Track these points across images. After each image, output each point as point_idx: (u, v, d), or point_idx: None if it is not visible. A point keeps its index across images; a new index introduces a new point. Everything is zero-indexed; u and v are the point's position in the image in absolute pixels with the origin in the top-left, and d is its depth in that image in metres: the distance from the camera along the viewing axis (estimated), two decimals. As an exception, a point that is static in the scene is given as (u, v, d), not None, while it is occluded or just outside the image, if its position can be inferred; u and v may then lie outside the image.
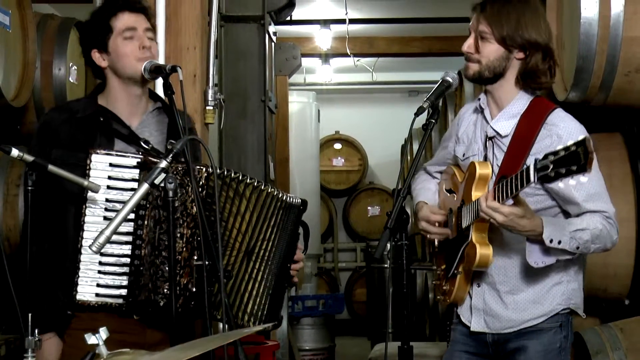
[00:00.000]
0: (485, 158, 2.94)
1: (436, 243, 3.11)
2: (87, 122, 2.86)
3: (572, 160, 2.35)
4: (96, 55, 2.91)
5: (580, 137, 2.36)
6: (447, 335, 3.14)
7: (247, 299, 2.90)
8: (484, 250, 2.77)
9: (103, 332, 1.95)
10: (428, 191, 3.20)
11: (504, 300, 2.91)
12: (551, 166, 2.38)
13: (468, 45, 2.89)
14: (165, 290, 2.71)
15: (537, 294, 2.89)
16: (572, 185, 2.41)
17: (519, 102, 2.91)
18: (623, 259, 3.93)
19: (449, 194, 3.05)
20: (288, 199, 2.94)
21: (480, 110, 3.01)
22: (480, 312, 2.95)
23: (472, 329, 2.96)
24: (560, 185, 2.41)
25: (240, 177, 2.83)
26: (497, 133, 2.91)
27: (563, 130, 2.79)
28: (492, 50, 2.86)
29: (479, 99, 3.02)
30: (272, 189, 2.90)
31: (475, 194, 2.79)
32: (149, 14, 2.94)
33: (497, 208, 2.62)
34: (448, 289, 2.98)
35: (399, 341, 2.89)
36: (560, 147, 2.39)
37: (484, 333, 2.95)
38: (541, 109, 2.87)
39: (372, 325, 9.77)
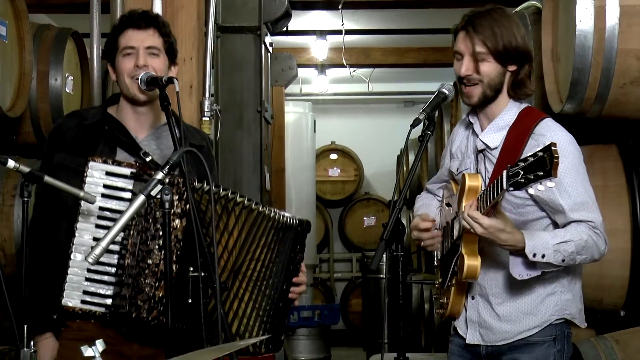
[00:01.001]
0: (477, 171, 2.95)
1: (438, 256, 3.11)
2: (93, 129, 2.90)
3: (539, 166, 2.38)
4: (110, 70, 2.98)
5: (547, 143, 2.39)
6: (444, 347, 3.14)
7: (232, 318, 2.84)
8: (471, 262, 2.76)
9: (99, 345, 1.95)
10: (428, 207, 3.20)
11: (497, 312, 2.90)
12: (521, 173, 2.42)
13: (466, 69, 2.86)
14: (139, 302, 2.69)
15: (530, 305, 2.88)
16: (541, 192, 2.44)
17: (508, 114, 2.91)
18: (618, 270, 3.93)
19: (447, 207, 3.06)
20: (283, 219, 2.88)
21: (469, 125, 3.02)
22: (475, 325, 2.94)
23: (467, 342, 2.96)
24: (530, 191, 2.44)
25: (230, 195, 2.79)
26: (486, 145, 2.92)
27: (549, 139, 2.74)
28: (491, 69, 2.86)
29: (468, 114, 3.02)
30: (265, 209, 2.85)
31: (465, 206, 2.79)
32: (161, 29, 2.93)
33: (477, 219, 2.64)
34: (444, 302, 2.98)
35: (395, 352, 2.90)
36: (529, 154, 2.42)
37: (478, 345, 2.95)
38: (530, 120, 2.88)
39: (367, 336, 9.75)
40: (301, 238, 2.93)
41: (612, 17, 3.54)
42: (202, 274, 2.57)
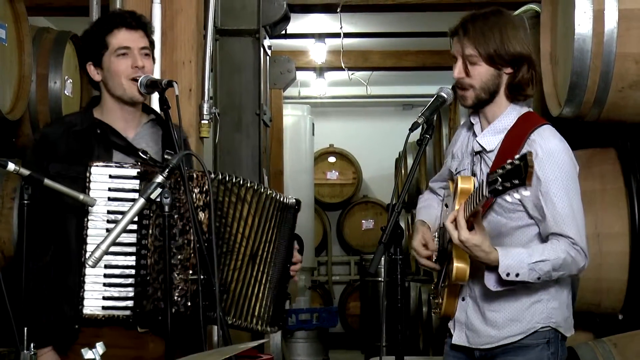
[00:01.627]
0: (473, 173, 2.95)
1: (434, 258, 3.11)
2: (85, 135, 2.87)
3: (515, 174, 2.37)
4: (91, 69, 2.93)
5: (523, 152, 2.38)
6: (442, 350, 3.15)
7: (254, 302, 2.93)
8: (460, 264, 2.77)
9: (100, 347, 1.95)
10: (429, 208, 3.20)
11: (485, 315, 2.90)
12: (499, 180, 2.41)
13: (458, 72, 2.88)
14: (175, 298, 2.71)
15: (515, 311, 2.87)
16: (517, 199, 2.44)
17: (508, 117, 2.91)
18: (617, 274, 3.94)
19: (446, 208, 3.07)
20: (284, 199, 3.00)
21: (470, 125, 3.03)
22: (462, 326, 2.95)
23: (453, 342, 2.97)
24: (508, 199, 2.43)
25: (242, 182, 2.87)
26: (483, 148, 2.92)
27: (540, 147, 2.79)
28: (482, 72, 2.86)
29: (470, 115, 3.04)
30: (270, 191, 2.95)
31: (456, 208, 2.80)
32: (148, 31, 2.95)
33: (458, 229, 2.65)
34: (439, 302, 3.01)
35: (393, 355, 2.89)
36: (508, 161, 2.41)
37: (472, 348, 2.94)
38: (528, 125, 2.87)
39: (365, 338, 9.75)
40: (296, 216, 3.06)
41: (611, 21, 3.54)
42: (202, 277, 2.58)
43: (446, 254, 2.91)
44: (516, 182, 2.36)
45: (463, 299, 2.96)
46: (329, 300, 11.79)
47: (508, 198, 2.42)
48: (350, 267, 12.19)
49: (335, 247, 12.31)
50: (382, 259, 2.75)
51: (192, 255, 2.73)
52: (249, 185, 2.88)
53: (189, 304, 2.71)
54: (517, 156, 2.38)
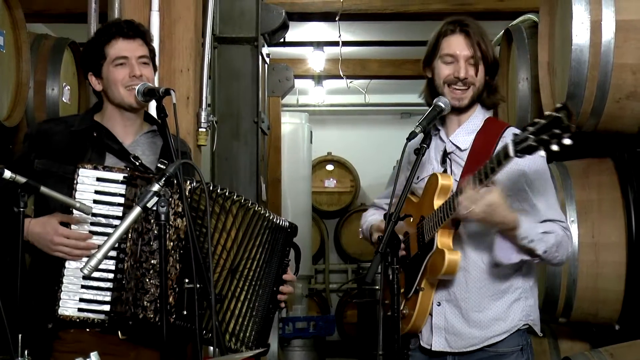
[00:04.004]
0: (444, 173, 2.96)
1: (390, 271, 3.04)
2: (81, 135, 2.89)
3: (555, 125, 2.38)
4: (92, 79, 2.96)
5: (558, 105, 2.40)
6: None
7: (229, 317, 2.89)
8: (452, 256, 2.79)
9: (94, 357, 1.95)
10: (376, 218, 3.24)
11: (467, 317, 2.91)
12: (531, 137, 2.42)
13: (466, 71, 2.91)
14: (145, 303, 2.70)
15: (499, 310, 2.91)
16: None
17: (476, 119, 2.98)
18: (613, 284, 3.94)
19: (406, 219, 3.06)
20: (276, 220, 2.95)
21: (435, 133, 3.00)
22: (441, 331, 2.94)
23: (433, 348, 2.95)
24: (541, 153, 2.43)
25: (227, 194, 2.84)
26: (457, 147, 2.96)
27: None
28: (482, 75, 2.94)
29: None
30: (260, 208, 2.91)
31: (437, 203, 2.82)
32: (147, 39, 2.96)
33: (476, 198, 2.63)
34: (407, 313, 2.95)
35: (389, 363, 2.89)
36: (536, 119, 2.43)
37: (444, 354, 2.94)
38: (496, 127, 2.96)
39: (362, 347, 9.74)
40: (290, 241, 2.99)
41: (608, 32, 3.55)
42: (198, 285, 2.58)
43: (421, 256, 2.90)
44: (557, 131, 2.37)
45: (439, 304, 2.94)
46: (326, 308, 11.76)
47: (542, 153, 2.43)
48: (347, 275, 12.17)
49: (332, 255, 12.29)
50: (379, 267, 2.74)
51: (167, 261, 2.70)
52: (235, 198, 2.85)
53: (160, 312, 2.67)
54: (547, 112, 2.40)
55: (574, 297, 4.02)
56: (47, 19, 6.89)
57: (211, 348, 2.72)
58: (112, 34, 2.91)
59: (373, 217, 3.28)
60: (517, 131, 2.86)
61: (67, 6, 6.28)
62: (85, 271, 2.35)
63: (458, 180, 2.88)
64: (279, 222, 2.96)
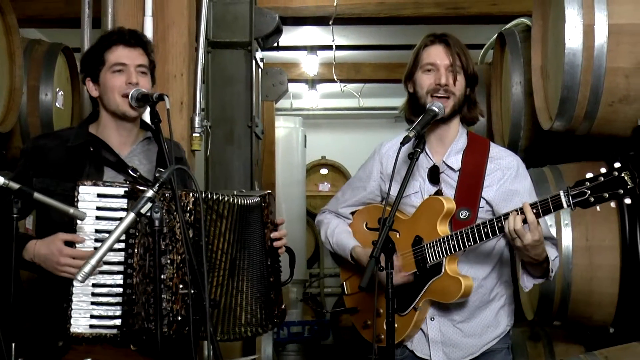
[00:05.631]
0: (437, 193, 3.01)
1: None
2: (77, 151, 2.87)
3: (617, 185, 2.54)
4: (90, 85, 2.95)
5: (617, 165, 2.55)
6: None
7: (239, 312, 2.93)
8: (467, 282, 2.90)
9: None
10: (349, 234, 3.23)
11: (461, 329, 3.01)
12: (588, 192, 2.58)
13: (447, 78, 2.96)
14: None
15: (490, 318, 3.03)
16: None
17: (462, 138, 3.05)
18: (608, 288, 3.95)
19: (370, 231, 3.12)
20: (251, 201, 2.95)
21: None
22: (438, 345, 3.02)
23: None
24: (597, 208, 2.61)
25: (220, 197, 2.86)
26: (450, 168, 3.01)
27: (509, 163, 3.01)
28: (462, 85, 2.99)
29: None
30: (239, 200, 2.91)
31: (441, 229, 2.90)
32: (148, 49, 2.96)
33: (532, 230, 2.71)
34: (400, 325, 2.98)
35: (384, 368, 2.89)
36: (591, 175, 2.58)
37: None
38: (481, 144, 3.06)
39: (357, 351, 9.73)
40: (264, 210, 2.99)
41: (601, 36, 3.56)
42: (192, 291, 2.58)
43: (425, 277, 2.95)
44: (620, 192, 2.55)
45: (432, 319, 3.02)
46: (321, 312, 11.76)
47: (598, 208, 2.61)
48: (342, 279, 12.16)
49: (327, 259, 12.27)
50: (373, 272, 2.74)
51: (175, 275, 2.72)
52: (223, 199, 2.87)
53: (174, 324, 2.71)
54: (604, 170, 2.58)
55: (569, 300, 4.02)
56: (41, 24, 6.88)
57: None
58: (113, 41, 2.91)
59: (340, 229, 3.26)
60: (499, 147, 3.08)
61: (61, 11, 6.27)
62: (80, 277, 2.35)
63: (455, 198, 2.96)
64: (253, 203, 2.96)
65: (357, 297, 3.22)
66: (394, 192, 2.87)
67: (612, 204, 3.93)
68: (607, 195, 2.55)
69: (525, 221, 2.70)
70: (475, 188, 2.94)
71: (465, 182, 2.95)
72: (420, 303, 2.97)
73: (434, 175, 3.02)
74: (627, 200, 2.56)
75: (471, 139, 3.06)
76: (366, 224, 3.19)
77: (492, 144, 3.08)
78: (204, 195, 2.80)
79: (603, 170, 2.58)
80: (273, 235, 3.02)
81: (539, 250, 2.78)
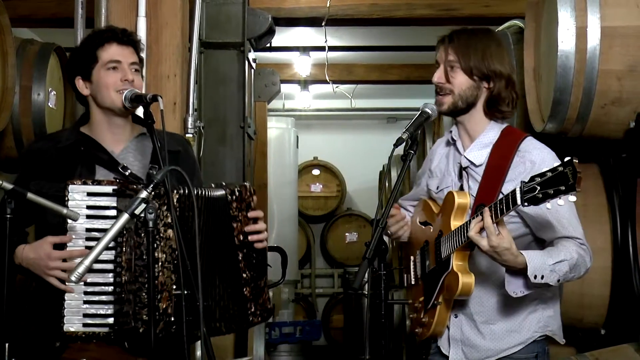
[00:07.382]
0: (461, 189, 2.97)
1: (412, 276, 3.12)
2: (69, 151, 2.87)
3: (560, 181, 2.39)
4: (80, 83, 2.94)
5: (567, 159, 2.41)
6: (423, 364, 3.15)
7: (213, 306, 2.90)
8: (466, 279, 2.78)
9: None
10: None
11: (481, 330, 2.92)
12: (538, 188, 2.43)
13: (438, 77, 2.94)
14: (144, 317, 2.70)
15: (513, 323, 2.90)
16: (559, 206, 2.44)
17: (491, 132, 2.96)
18: (599, 289, 3.95)
19: (423, 227, 3.07)
20: (215, 194, 2.93)
21: (452, 143, 3.04)
22: (458, 343, 2.96)
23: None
24: (548, 206, 2.44)
25: (198, 193, 2.84)
26: (471, 162, 2.95)
27: (536, 156, 2.85)
28: (462, 81, 2.93)
29: (451, 132, 3.05)
30: (210, 192, 2.90)
31: (454, 224, 2.82)
32: (138, 48, 2.97)
33: (488, 235, 2.60)
34: (427, 321, 2.97)
35: (377, 368, 2.90)
36: (545, 169, 2.43)
37: None
38: (513, 138, 2.93)
39: (349, 352, 9.74)
40: (235, 200, 2.96)
41: (594, 38, 3.57)
42: (185, 292, 2.58)
43: (439, 271, 2.90)
44: (562, 188, 2.38)
45: (456, 316, 2.96)
46: (313, 313, 11.76)
47: (548, 205, 2.43)
48: (333, 279, 12.17)
49: (318, 260, 12.29)
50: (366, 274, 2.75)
51: (160, 273, 2.72)
52: (200, 194, 2.86)
53: (160, 324, 2.70)
54: (556, 164, 2.42)
55: (560, 302, 4.03)
56: (33, 24, 6.87)
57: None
58: (106, 38, 2.91)
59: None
60: (535, 141, 2.92)
61: (53, 11, 6.27)
62: (73, 278, 2.36)
63: (475, 195, 2.88)
64: (222, 194, 2.94)
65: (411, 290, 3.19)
66: (433, 187, 3.02)
67: (605, 204, 3.94)
68: (552, 192, 2.40)
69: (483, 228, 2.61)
70: (495, 183, 2.84)
71: (489, 177, 2.86)
72: (439, 298, 2.91)
73: (460, 170, 3.00)
74: (572, 198, 2.38)
75: (505, 133, 2.96)
76: (420, 220, 3.15)
77: (529, 138, 2.92)
78: (182, 191, 2.77)
79: (556, 164, 2.43)
80: (248, 228, 2.97)
81: (506, 257, 2.64)
